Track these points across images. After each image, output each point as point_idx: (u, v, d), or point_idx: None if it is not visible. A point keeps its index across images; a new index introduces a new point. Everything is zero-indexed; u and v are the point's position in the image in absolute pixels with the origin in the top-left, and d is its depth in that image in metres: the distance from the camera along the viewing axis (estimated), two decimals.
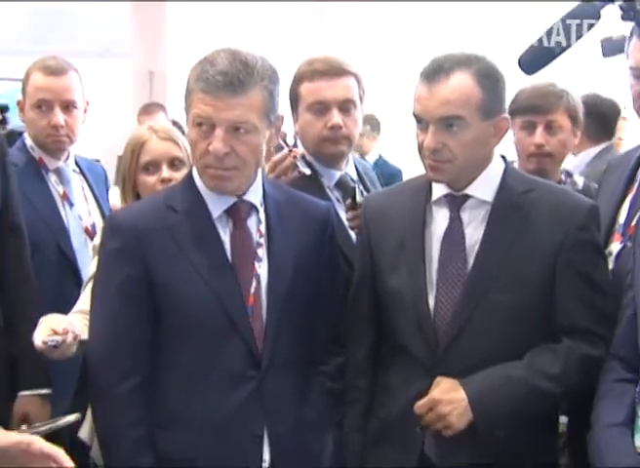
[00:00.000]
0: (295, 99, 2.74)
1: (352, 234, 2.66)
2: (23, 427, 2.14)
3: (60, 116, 3.07)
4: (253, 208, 2.21)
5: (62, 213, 3.11)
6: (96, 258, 2.53)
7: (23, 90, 3.14)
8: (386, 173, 6.05)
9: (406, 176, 5.65)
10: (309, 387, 2.27)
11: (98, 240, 2.73)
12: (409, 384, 2.23)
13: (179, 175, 2.60)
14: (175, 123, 4.82)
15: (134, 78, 7.45)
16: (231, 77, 2.05)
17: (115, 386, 2.10)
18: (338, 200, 2.74)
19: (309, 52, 7.15)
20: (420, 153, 2.23)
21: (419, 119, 2.20)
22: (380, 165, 6.70)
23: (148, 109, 6.32)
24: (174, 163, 2.63)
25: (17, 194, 2.82)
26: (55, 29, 9.90)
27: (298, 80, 2.74)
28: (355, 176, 2.85)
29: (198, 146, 2.11)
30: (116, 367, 2.11)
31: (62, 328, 2.21)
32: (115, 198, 3.38)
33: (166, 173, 2.61)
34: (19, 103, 3.18)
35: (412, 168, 3.48)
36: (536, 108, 3.02)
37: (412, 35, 7.43)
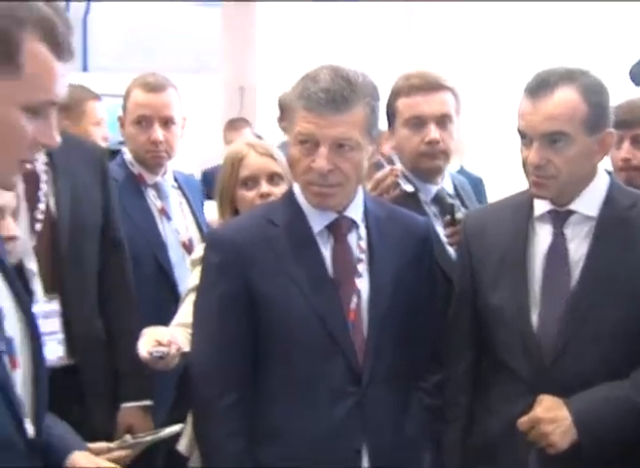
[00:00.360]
0: (391, 115, 2.74)
1: (450, 250, 2.65)
2: (127, 437, 2.17)
3: (159, 132, 3.12)
4: (353, 223, 2.21)
5: (161, 227, 3.15)
6: (195, 272, 2.57)
7: (124, 106, 3.21)
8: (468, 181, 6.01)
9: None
10: (408, 403, 2.26)
11: (195, 254, 2.77)
12: (511, 402, 2.21)
13: (277, 190, 2.62)
14: (259, 138, 4.86)
15: (224, 93, 7.54)
16: (334, 94, 2.06)
17: (216, 400, 2.11)
18: (435, 215, 2.72)
19: (400, 65, 7.16)
20: (523, 169, 2.21)
21: (522, 135, 2.18)
22: (462, 175, 6.65)
23: (235, 125, 6.39)
24: (272, 178, 2.64)
25: (117, 210, 2.88)
26: (150, 46, 10.12)
27: (394, 95, 2.74)
28: (452, 191, 2.83)
29: (301, 163, 2.12)
30: (218, 380, 2.13)
31: (167, 339, 2.24)
32: (210, 212, 3.43)
33: (265, 187, 2.62)
34: (119, 119, 3.25)
35: None
36: (622, 123, 2.97)
37: (493, 49, 7.37)
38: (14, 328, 1.54)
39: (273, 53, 7.14)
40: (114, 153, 3.35)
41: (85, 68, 10.33)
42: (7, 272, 1.59)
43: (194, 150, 6.48)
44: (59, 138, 1.48)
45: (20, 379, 1.52)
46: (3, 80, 1.39)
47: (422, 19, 7.38)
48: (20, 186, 2.19)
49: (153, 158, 3.16)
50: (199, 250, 2.73)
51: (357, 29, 7.85)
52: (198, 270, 2.48)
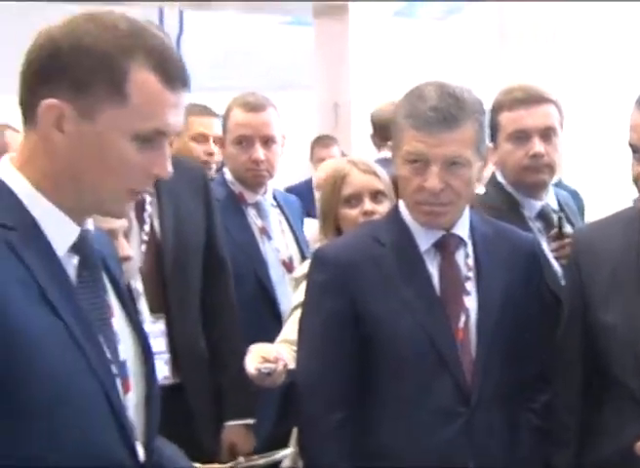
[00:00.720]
0: (494, 129, 2.71)
1: (556, 266, 2.60)
2: (241, 459, 2.18)
3: (260, 151, 3.13)
4: (461, 241, 2.19)
5: (261, 246, 3.16)
6: (300, 289, 2.57)
7: (224, 126, 3.24)
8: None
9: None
10: (517, 424, 2.21)
11: (298, 272, 2.77)
12: (626, 424, 2.13)
13: (380, 207, 2.60)
14: (344, 155, 4.84)
15: (319, 110, 7.56)
16: (444, 112, 2.04)
17: (323, 419, 2.11)
18: (539, 231, 2.68)
19: (493, 80, 7.09)
20: (635, 184, 2.15)
21: (634, 149, 2.12)
22: (559, 187, 6.55)
23: (324, 142, 6.39)
24: (376, 196, 2.63)
25: (221, 229, 2.90)
26: (243, 65, 10.24)
27: (496, 110, 2.71)
28: (556, 207, 2.78)
29: (411, 183, 2.09)
30: (324, 399, 2.12)
31: (273, 356, 2.24)
32: (309, 230, 3.43)
33: (368, 205, 2.61)
34: (219, 139, 3.28)
35: None
36: None
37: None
38: (127, 349, 1.55)
39: (367, 69, 7.14)
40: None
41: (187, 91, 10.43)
42: (121, 292, 1.60)
43: (290, 167, 6.51)
44: (170, 169, 1.48)
45: (133, 402, 1.53)
46: (111, 109, 1.40)
47: (515, 34, 7.30)
48: (131, 206, 2.22)
49: (254, 177, 3.18)
50: (302, 267, 2.73)
51: (449, 45, 7.81)
52: (302, 287, 2.48)
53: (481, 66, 7.73)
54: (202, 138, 3.74)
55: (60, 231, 1.44)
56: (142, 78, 1.41)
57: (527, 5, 7.16)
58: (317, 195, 3.63)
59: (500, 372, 2.14)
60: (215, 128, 3.73)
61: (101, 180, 1.44)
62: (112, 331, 1.51)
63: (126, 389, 1.50)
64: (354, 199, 2.62)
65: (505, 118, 2.67)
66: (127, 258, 2.10)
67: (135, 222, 2.25)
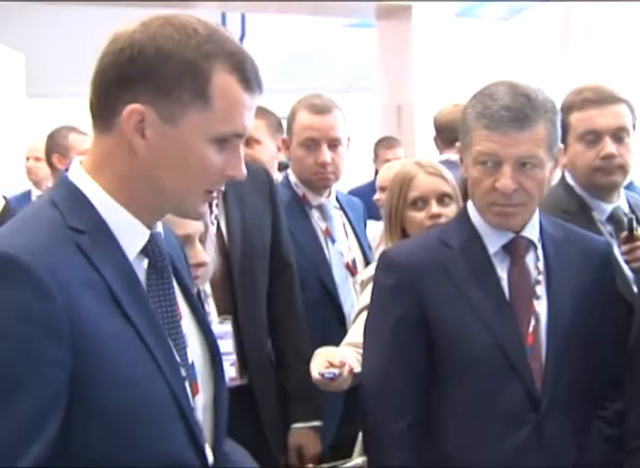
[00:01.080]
0: (563, 130, 2.66)
1: (627, 270, 2.55)
2: (310, 466, 2.17)
3: (327, 154, 3.12)
4: (531, 244, 2.15)
5: (325, 249, 3.15)
6: (365, 292, 2.56)
7: (289, 128, 3.23)
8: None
9: None
10: (588, 432, 2.17)
11: (364, 274, 2.75)
12: None
13: (447, 210, 2.58)
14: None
15: (381, 112, 7.54)
16: (517, 112, 2.01)
17: (390, 424, 2.09)
18: (610, 234, 2.63)
19: (557, 81, 7.00)
20: None
21: None
22: (630, 189, 6.44)
23: (388, 143, 6.37)
24: (442, 198, 2.60)
25: (286, 231, 2.90)
26: (306, 67, 10.28)
27: (566, 110, 2.66)
28: (627, 209, 2.73)
29: (482, 184, 2.07)
30: (391, 404, 2.10)
31: (339, 360, 2.23)
32: (372, 232, 3.42)
33: (435, 208, 2.58)
34: (283, 141, 3.27)
35: None
36: None
37: None
38: (195, 351, 1.56)
39: (430, 70, 7.10)
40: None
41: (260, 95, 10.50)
42: (189, 294, 1.61)
43: (351, 169, 6.51)
44: (245, 171, 1.49)
45: (201, 404, 1.53)
46: (195, 113, 1.41)
47: (580, 33, 7.20)
48: (207, 211, 2.23)
49: (321, 180, 3.17)
50: (368, 270, 2.72)
51: (513, 46, 7.73)
52: (368, 290, 2.47)
53: (545, 67, 7.64)
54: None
55: (131, 234, 1.45)
56: (224, 81, 1.42)
57: (592, 4, 7.06)
58: (380, 196, 3.62)
59: (570, 378, 2.11)
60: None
61: (181, 183, 1.44)
62: (181, 334, 1.51)
63: (195, 391, 1.51)
64: (421, 202, 2.60)
65: (575, 118, 2.63)
66: (203, 264, 2.11)
67: (211, 227, 2.25)
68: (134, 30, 1.42)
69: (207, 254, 2.14)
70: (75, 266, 1.36)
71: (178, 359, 1.47)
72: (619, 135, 2.61)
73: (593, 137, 2.61)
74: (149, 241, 1.48)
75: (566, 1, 7.23)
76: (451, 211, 2.57)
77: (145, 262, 1.48)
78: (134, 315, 1.40)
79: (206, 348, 1.61)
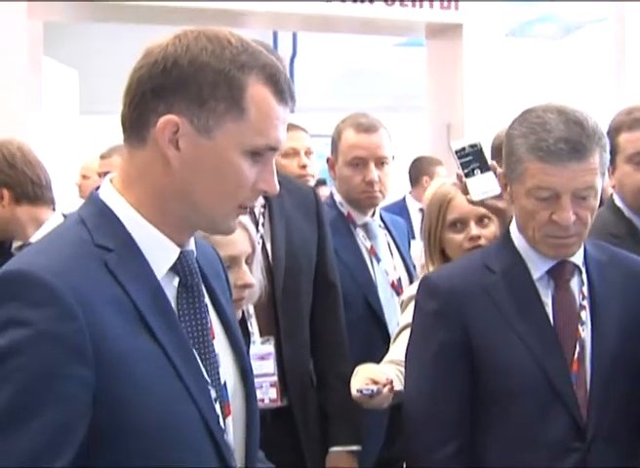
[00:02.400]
0: (612, 151, 2.63)
1: None
2: None
3: (374, 172, 3.12)
4: (576, 268, 2.12)
5: (370, 268, 3.14)
6: (407, 311, 2.54)
7: (335, 147, 3.23)
8: None
9: None
10: (635, 461, 2.11)
11: (406, 294, 2.73)
12: None
13: (487, 231, 2.56)
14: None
15: (430, 132, 7.53)
16: (574, 144, 1.96)
17: (434, 451, 2.05)
18: None
19: (607, 99, 6.93)
20: None
21: None
22: None
23: (429, 161, 6.37)
24: (482, 220, 2.58)
25: (332, 252, 2.89)
26: (355, 86, 10.31)
27: (615, 131, 2.64)
28: None
29: (538, 216, 2.02)
30: (435, 431, 2.07)
31: (383, 377, 2.19)
32: (415, 251, 3.40)
33: (475, 230, 2.56)
34: (328, 161, 3.27)
35: None
36: None
37: None
38: (228, 371, 1.54)
39: (480, 90, 7.07)
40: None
41: (292, 110, 10.61)
42: (222, 312, 1.58)
43: (399, 188, 6.51)
44: (278, 186, 1.48)
45: (232, 426, 1.51)
46: (230, 124, 1.40)
47: (635, 53, 7.13)
48: (254, 231, 2.23)
49: (368, 198, 3.17)
50: (410, 289, 2.70)
51: (566, 65, 7.67)
52: (409, 309, 2.45)
53: (598, 87, 7.57)
54: (293, 153, 3.72)
55: (160, 252, 1.44)
56: (258, 93, 1.41)
57: None
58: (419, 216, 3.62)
59: (616, 406, 2.06)
60: (304, 140, 3.73)
61: (215, 197, 1.43)
62: (213, 354, 1.49)
63: (226, 413, 1.49)
64: (460, 223, 2.59)
65: (624, 139, 2.60)
66: (249, 286, 2.10)
67: (258, 248, 2.25)
68: (167, 43, 1.41)
69: (253, 276, 2.13)
70: (100, 284, 1.35)
71: (207, 379, 1.45)
72: None
73: None
74: (179, 259, 1.46)
75: (622, 1, 7.12)
76: (490, 232, 2.55)
77: (176, 280, 1.46)
78: (161, 334, 1.38)
79: (238, 368, 1.58)
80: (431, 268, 2.62)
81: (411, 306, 2.46)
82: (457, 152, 2.46)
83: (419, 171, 6.41)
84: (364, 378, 2.21)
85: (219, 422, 1.45)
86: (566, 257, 2.09)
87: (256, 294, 2.24)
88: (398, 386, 2.27)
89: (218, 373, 1.49)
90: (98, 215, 1.43)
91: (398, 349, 2.44)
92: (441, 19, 7.14)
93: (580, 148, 1.96)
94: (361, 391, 2.16)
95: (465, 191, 2.44)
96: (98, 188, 1.48)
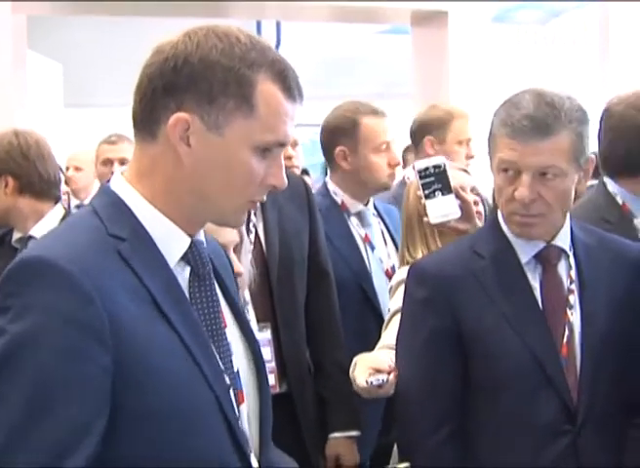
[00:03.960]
0: None
1: None
2: None
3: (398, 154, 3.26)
4: (562, 252, 2.13)
5: (365, 256, 3.16)
6: (395, 296, 2.54)
7: (352, 136, 3.20)
8: None
9: None
10: (625, 441, 2.13)
11: (395, 279, 2.72)
12: None
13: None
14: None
15: None
16: (538, 121, 1.99)
17: (428, 436, 2.07)
18: None
19: (596, 90, 6.95)
20: None
21: None
22: None
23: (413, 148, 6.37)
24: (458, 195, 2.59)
25: (324, 240, 2.91)
26: (339, 75, 10.31)
27: None
28: None
29: (504, 192, 2.06)
30: (428, 417, 2.08)
31: (387, 365, 2.19)
32: None
33: (471, 195, 2.57)
34: (342, 152, 3.23)
35: None
36: None
37: None
38: (240, 359, 1.56)
39: (466, 77, 7.08)
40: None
41: (301, 105, 10.61)
42: (232, 302, 1.61)
43: None
44: (286, 180, 1.50)
45: (246, 412, 1.53)
46: (240, 121, 1.42)
47: (620, 37, 7.15)
48: (244, 223, 2.24)
49: (392, 180, 3.28)
50: (398, 274, 2.70)
51: (551, 50, 7.68)
52: (398, 294, 2.46)
53: (583, 71, 7.59)
54: None
55: (172, 242, 1.46)
56: (267, 90, 1.43)
57: (632, 6, 7.00)
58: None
59: (606, 389, 2.08)
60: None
61: (225, 192, 1.45)
62: (226, 342, 1.51)
63: (240, 400, 1.51)
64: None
65: None
66: (237, 274, 2.11)
67: (246, 238, 2.26)
68: (178, 41, 1.43)
69: (241, 265, 2.14)
70: (115, 272, 1.36)
71: (222, 367, 1.47)
72: None
73: None
74: (190, 248, 1.48)
75: (605, 0, 7.15)
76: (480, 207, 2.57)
77: (187, 270, 1.48)
78: (176, 321, 1.39)
79: (250, 356, 1.60)
80: (407, 255, 2.63)
81: (399, 291, 2.49)
82: (419, 172, 2.48)
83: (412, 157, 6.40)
84: (367, 368, 2.19)
85: (233, 409, 1.47)
86: (533, 237, 2.10)
87: (244, 283, 2.25)
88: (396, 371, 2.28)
89: (231, 361, 1.50)
90: (110, 206, 1.45)
91: (390, 334, 2.45)
92: (426, 6, 7.14)
93: (542, 126, 1.99)
94: (371, 382, 2.14)
95: (424, 213, 2.45)
96: (109, 181, 1.50)
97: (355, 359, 2.32)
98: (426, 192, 2.45)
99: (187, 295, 1.46)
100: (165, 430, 1.36)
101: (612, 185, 2.68)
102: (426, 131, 3.74)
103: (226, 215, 1.49)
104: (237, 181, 1.44)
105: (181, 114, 1.40)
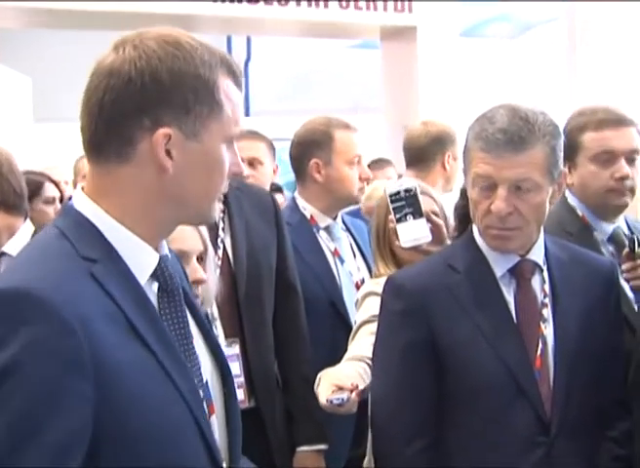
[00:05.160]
0: (572, 150, 2.66)
1: (627, 289, 2.54)
2: None
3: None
4: (536, 266, 2.15)
5: (334, 269, 3.16)
6: (362, 307, 2.55)
7: (325, 150, 3.21)
8: None
9: None
10: (598, 452, 2.16)
11: (362, 290, 2.72)
12: None
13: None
14: (400, 176, 4.82)
15: (387, 133, 7.56)
16: (512, 135, 2.01)
17: (402, 449, 2.07)
18: (612, 255, 2.63)
19: (564, 102, 7.01)
20: None
21: None
22: None
23: (379, 164, 6.37)
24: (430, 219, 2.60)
25: (291, 254, 2.91)
26: (309, 89, 10.33)
27: (578, 129, 2.66)
28: (626, 230, 2.73)
29: (479, 206, 2.08)
30: (402, 429, 2.09)
31: (350, 382, 2.18)
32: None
33: None
34: (316, 165, 3.21)
35: None
36: None
37: None
38: (207, 371, 1.56)
39: (436, 91, 7.13)
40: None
41: (247, 113, 10.65)
42: (196, 314, 1.60)
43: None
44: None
45: (216, 424, 1.53)
46: (214, 122, 1.44)
47: (587, 51, 7.23)
48: (206, 232, 2.24)
49: (361, 192, 3.31)
50: (364, 287, 2.71)
51: (520, 64, 7.74)
52: (364, 306, 2.47)
53: (551, 85, 7.65)
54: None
55: (141, 259, 1.45)
56: (226, 86, 1.46)
57: (598, 23, 7.08)
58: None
59: (579, 400, 2.10)
60: (249, 150, 3.67)
61: (205, 191, 1.47)
62: (195, 355, 1.51)
63: (211, 411, 1.51)
64: None
65: (590, 139, 2.63)
66: (200, 282, 2.11)
67: (211, 247, 2.26)
68: (129, 57, 1.41)
69: (205, 274, 2.14)
70: (92, 297, 1.35)
71: (195, 381, 1.47)
72: (631, 157, 2.63)
73: (608, 158, 2.61)
74: (158, 264, 1.47)
75: (574, 1, 7.19)
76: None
77: (155, 286, 1.48)
78: (151, 341, 1.39)
79: (216, 367, 1.61)
80: (381, 267, 2.64)
81: (365, 303, 2.53)
82: (390, 196, 2.49)
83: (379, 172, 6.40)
84: (329, 386, 2.19)
85: (207, 422, 1.47)
86: (509, 251, 2.11)
87: (212, 293, 2.24)
88: (362, 384, 2.27)
89: (200, 374, 1.51)
90: (77, 227, 1.43)
91: (357, 346, 2.46)
92: (395, 21, 7.19)
93: (516, 140, 2.01)
94: (331, 401, 2.14)
95: (395, 236, 2.47)
96: (70, 199, 1.49)
97: (320, 374, 2.31)
98: (397, 216, 2.47)
99: (157, 312, 1.46)
100: (145, 449, 1.36)
101: (572, 198, 2.71)
102: (444, 146, 3.75)
103: (206, 214, 1.51)
104: (217, 179, 1.47)
105: (164, 130, 1.40)
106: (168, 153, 1.42)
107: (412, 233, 2.46)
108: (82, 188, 1.48)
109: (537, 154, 2.03)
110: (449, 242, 2.53)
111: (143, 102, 1.40)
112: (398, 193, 2.48)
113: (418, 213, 2.47)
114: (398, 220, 2.46)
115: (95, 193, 1.46)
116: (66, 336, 1.29)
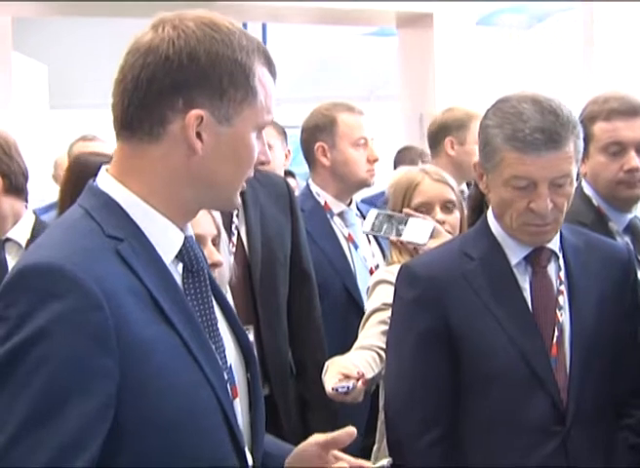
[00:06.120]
0: (584, 139, 2.64)
1: None
2: None
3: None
4: (552, 254, 2.13)
5: (348, 255, 3.17)
6: (373, 295, 2.54)
7: (330, 133, 3.26)
8: None
9: None
10: (614, 442, 2.14)
11: (374, 277, 2.71)
12: None
13: (451, 217, 2.58)
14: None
15: (403, 121, 7.54)
16: (551, 133, 1.97)
17: (416, 438, 2.06)
18: (628, 245, 2.61)
19: (580, 90, 6.98)
20: None
21: None
22: None
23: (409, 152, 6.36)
24: (446, 205, 2.60)
25: (305, 241, 2.91)
26: (326, 76, 10.31)
27: (590, 119, 2.63)
28: None
29: (515, 205, 2.03)
30: (416, 419, 2.07)
31: (356, 371, 2.19)
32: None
33: (439, 215, 2.58)
34: (321, 148, 3.28)
35: None
36: None
37: None
38: (231, 354, 1.55)
39: (452, 79, 7.09)
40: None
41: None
42: (220, 296, 1.60)
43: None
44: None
45: (239, 408, 1.53)
46: (247, 108, 1.44)
47: (603, 41, 7.18)
48: (219, 217, 2.24)
49: (372, 176, 3.28)
50: (376, 275, 2.70)
51: (536, 53, 7.70)
52: (375, 294, 2.47)
53: (567, 74, 7.61)
54: None
55: (167, 239, 1.45)
56: (262, 73, 1.46)
57: (616, 11, 7.03)
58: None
59: (596, 388, 2.08)
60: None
61: (233, 176, 1.47)
62: (220, 337, 1.51)
63: (234, 395, 1.51)
64: (424, 207, 2.60)
65: (600, 129, 2.59)
66: (217, 264, 2.10)
67: (224, 232, 2.26)
68: (168, 36, 1.41)
69: (220, 256, 2.14)
70: (118, 274, 1.36)
71: (220, 364, 1.47)
72: None
73: (618, 149, 2.58)
74: (183, 244, 1.47)
75: (589, 0, 7.15)
76: (454, 218, 2.59)
77: (180, 266, 1.47)
78: (176, 321, 1.39)
79: (239, 351, 1.60)
80: (395, 255, 2.63)
81: (376, 291, 2.52)
82: (372, 230, 2.56)
83: (407, 161, 6.38)
84: (336, 374, 2.19)
85: (232, 406, 1.47)
86: (543, 244, 2.10)
87: (226, 276, 2.24)
88: (370, 373, 2.27)
89: (225, 357, 1.50)
90: (102, 207, 1.43)
91: (367, 334, 2.45)
92: (411, 8, 7.15)
93: (555, 138, 1.98)
94: (336, 389, 2.13)
95: (415, 250, 2.51)
96: (94, 180, 1.48)
97: (327, 362, 2.31)
98: (394, 234, 2.53)
99: (183, 292, 1.46)
100: (168, 430, 1.36)
101: (588, 188, 2.68)
102: (447, 132, 3.74)
103: (230, 199, 1.50)
104: (245, 165, 1.47)
105: (197, 111, 1.40)
106: (198, 136, 1.41)
107: (413, 233, 2.50)
108: (106, 170, 1.48)
109: (571, 148, 2.01)
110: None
111: (179, 82, 1.40)
112: (374, 223, 2.58)
113: (401, 219, 2.55)
114: (398, 235, 2.53)
115: (121, 173, 1.46)
116: (94, 311, 1.30)
